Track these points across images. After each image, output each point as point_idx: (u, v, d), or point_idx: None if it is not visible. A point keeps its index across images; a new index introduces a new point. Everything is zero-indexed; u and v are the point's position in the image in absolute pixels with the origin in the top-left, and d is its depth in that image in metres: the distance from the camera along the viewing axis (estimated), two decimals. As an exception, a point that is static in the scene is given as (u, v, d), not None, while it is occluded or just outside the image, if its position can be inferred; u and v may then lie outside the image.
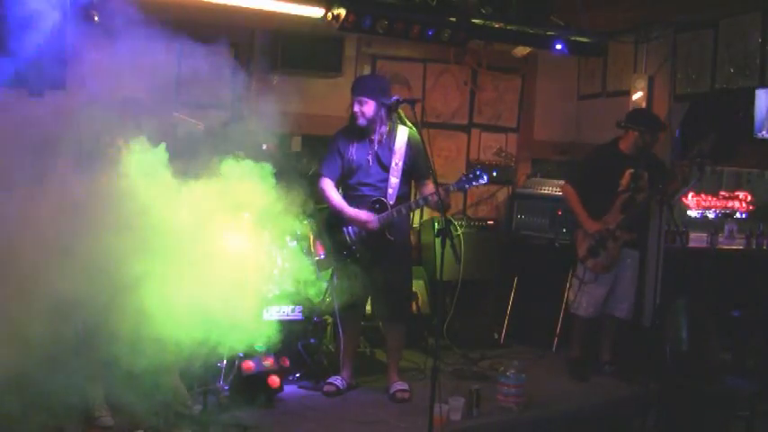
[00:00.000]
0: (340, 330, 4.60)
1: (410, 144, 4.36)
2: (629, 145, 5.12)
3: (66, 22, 3.20)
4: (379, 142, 4.34)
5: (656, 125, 5.13)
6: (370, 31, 4.85)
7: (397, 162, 4.34)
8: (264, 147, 4.42)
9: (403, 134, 4.37)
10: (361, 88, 4.33)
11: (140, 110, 3.58)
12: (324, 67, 5.71)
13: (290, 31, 5.37)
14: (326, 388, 4.47)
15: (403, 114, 4.49)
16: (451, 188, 4.31)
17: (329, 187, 4.40)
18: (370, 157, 4.36)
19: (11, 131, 3.10)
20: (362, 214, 4.30)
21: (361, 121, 4.30)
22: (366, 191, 4.37)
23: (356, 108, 4.29)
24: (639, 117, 5.20)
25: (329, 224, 4.47)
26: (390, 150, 4.35)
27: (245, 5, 4.70)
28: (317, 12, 4.86)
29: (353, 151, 4.38)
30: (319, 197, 4.44)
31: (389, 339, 4.63)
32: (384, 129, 4.34)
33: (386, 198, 4.34)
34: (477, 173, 4.22)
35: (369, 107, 4.26)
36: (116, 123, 3.35)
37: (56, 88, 3.25)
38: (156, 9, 3.36)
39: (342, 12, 4.66)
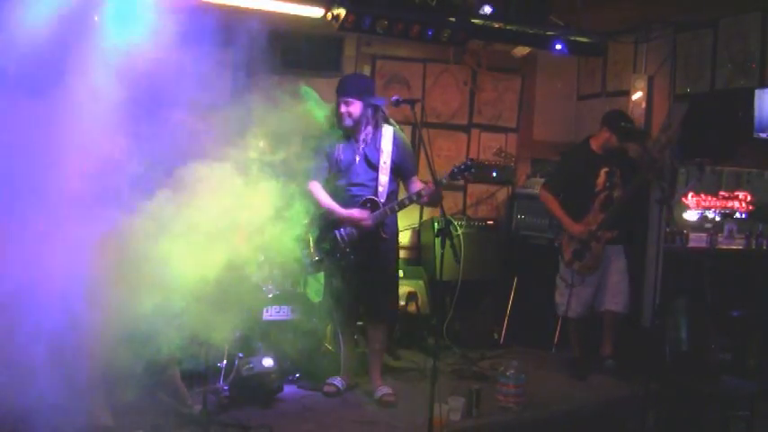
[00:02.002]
0: (338, 331, 4.60)
1: (396, 142, 4.35)
2: (600, 144, 5.14)
3: (65, 21, 3.19)
4: (365, 141, 4.32)
5: (626, 132, 5.09)
6: (370, 31, 4.84)
7: (385, 161, 4.32)
8: (261, 144, 4.42)
9: (388, 132, 4.35)
10: (346, 88, 4.30)
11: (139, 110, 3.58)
12: (324, 67, 5.71)
13: (290, 31, 5.37)
14: (326, 388, 4.46)
15: (387, 113, 4.44)
16: (444, 181, 4.27)
17: (317, 189, 4.34)
18: (358, 157, 4.33)
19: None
20: (356, 212, 4.27)
21: (348, 122, 4.28)
22: (356, 191, 4.34)
23: (342, 109, 4.27)
24: (613, 119, 5.17)
25: (320, 227, 4.39)
26: (377, 149, 4.33)
27: (245, 5, 4.69)
28: (317, 12, 4.86)
29: (340, 152, 4.35)
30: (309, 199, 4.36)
31: (372, 339, 4.56)
32: (369, 129, 4.32)
33: (377, 197, 4.32)
34: (468, 163, 4.21)
35: (355, 107, 4.25)
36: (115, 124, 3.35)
37: (54, 88, 3.24)
38: (156, 9, 3.36)
39: (342, 12, 4.65)
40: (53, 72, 3.18)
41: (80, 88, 3.20)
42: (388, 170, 4.34)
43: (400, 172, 4.43)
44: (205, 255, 3.45)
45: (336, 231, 4.32)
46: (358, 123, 4.29)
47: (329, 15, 4.76)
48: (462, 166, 4.21)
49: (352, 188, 4.35)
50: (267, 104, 4.06)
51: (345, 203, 4.32)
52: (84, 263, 3.13)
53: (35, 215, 3.07)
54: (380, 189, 4.33)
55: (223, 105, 3.76)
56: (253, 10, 4.73)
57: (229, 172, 3.66)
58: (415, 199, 4.32)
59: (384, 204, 4.30)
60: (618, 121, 5.13)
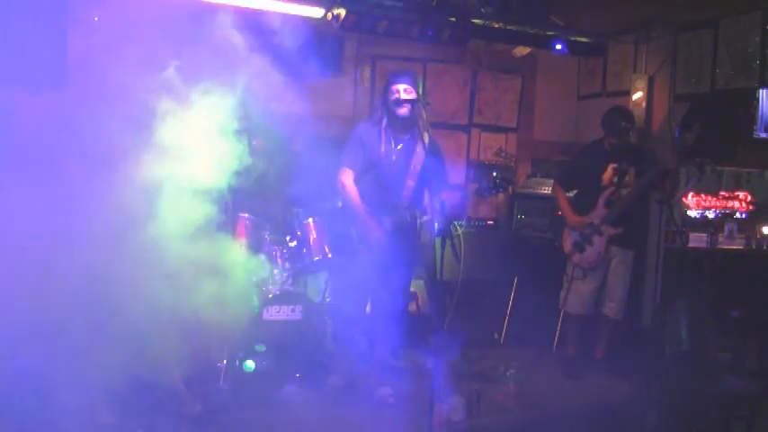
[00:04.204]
0: (340, 330, 4.59)
1: (432, 150, 4.25)
2: (610, 142, 5.15)
3: (66, 21, 3.20)
4: (405, 141, 4.22)
5: (611, 123, 5.09)
6: (370, 31, 4.84)
7: (416, 165, 4.22)
8: (254, 142, 4.40)
9: (426, 138, 4.25)
10: (409, 79, 4.16)
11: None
12: (324, 67, 5.71)
13: (290, 31, 5.36)
14: (326, 387, 4.45)
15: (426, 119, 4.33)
16: (470, 194, 4.24)
17: (350, 181, 4.20)
18: (394, 156, 4.22)
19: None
20: (375, 228, 4.14)
21: (406, 112, 4.13)
22: (380, 189, 4.22)
23: (404, 97, 4.10)
24: (604, 114, 5.19)
25: (338, 220, 4.33)
26: (413, 152, 4.23)
27: (245, 5, 4.69)
28: (317, 12, 4.86)
29: (377, 146, 4.22)
30: (338, 188, 4.25)
31: (376, 340, 4.55)
32: (415, 130, 4.20)
33: (399, 199, 4.24)
34: (498, 181, 4.12)
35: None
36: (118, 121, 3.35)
37: (55, 87, 3.25)
38: (156, 9, 3.36)
39: (342, 12, 4.65)
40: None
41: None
42: (417, 175, 4.23)
43: (429, 181, 4.29)
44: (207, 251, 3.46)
45: (353, 228, 4.22)
46: (413, 118, 4.15)
47: (329, 15, 4.76)
48: (491, 184, 4.12)
49: (377, 185, 4.22)
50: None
51: (366, 199, 4.19)
52: (87, 258, 3.14)
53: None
54: (405, 192, 4.23)
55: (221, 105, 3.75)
56: (252, 10, 4.73)
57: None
58: (439, 209, 4.17)
59: (406, 209, 4.22)
60: (606, 115, 5.15)
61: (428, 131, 4.29)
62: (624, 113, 5.23)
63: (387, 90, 4.21)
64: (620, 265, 5.16)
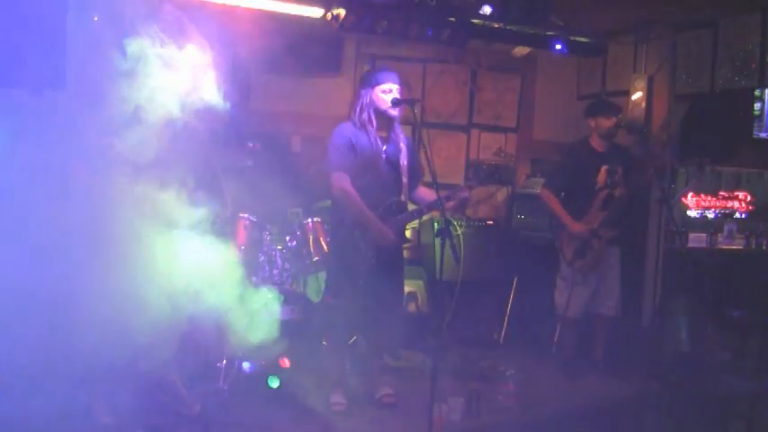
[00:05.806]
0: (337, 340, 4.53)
1: (408, 144, 4.21)
2: (598, 138, 5.16)
3: (65, 21, 3.19)
4: (390, 139, 4.13)
5: (598, 106, 5.19)
6: (370, 31, 4.84)
7: (403, 161, 4.14)
8: (251, 145, 4.39)
9: (403, 133, 4.21)
10: (396, 77, 4.10)
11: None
12: (324, 67, 5.71)
13: (290, 31, 5.37)
14: (335, 408, 4.21)
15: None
16: (474, 184, 4.21)
17: (349, 185, 3.99)
18: (384, 155, 4.10)
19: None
20: (389, 232, 4.02)
21: (398, 112, 4.06)
22: (379, 191, 4.09)
23: (395, 95, 4.02)
24: (594, 106, 5.24)
25: (343, 230, 4.14)
26: (398, 149, 4.13)
27: (244, 5, 4.69)
28: (317, 12, 4.86)
29: (366, 147, 4.04)
30: (336, 195, 4.08)
31: (374, 340, 4.51)
32: (397, 126, 4.14)
33: (399, 197, 4.15)
34: (491, 170, 4.16)
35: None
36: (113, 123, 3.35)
37: (55, 88, 3.24)
38: (154, 8, 3.37)
39: (342, 12, 4.65)
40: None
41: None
42: (407, 172, 4.14)
43: (413, 176, 4.23)
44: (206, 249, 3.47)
45: (359, 233, 4.06)
46: (392, 119, 4.09)
47: (329, 15, 4.76)
48: (486, 174, 4.20)
49: (375, 188, 4.07)
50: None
51: (370, 203, 4.03)
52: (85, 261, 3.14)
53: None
54: (404, 190, 4.15)
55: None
56: (252, 10, 4.73)
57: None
58: (445, 201, 3.95)
59: (405, 207, 4.16)
60: (592, 104, 5.24)
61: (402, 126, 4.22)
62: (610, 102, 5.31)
63: (374, 89, 4.06)
64: (614, 265, 5.18)
